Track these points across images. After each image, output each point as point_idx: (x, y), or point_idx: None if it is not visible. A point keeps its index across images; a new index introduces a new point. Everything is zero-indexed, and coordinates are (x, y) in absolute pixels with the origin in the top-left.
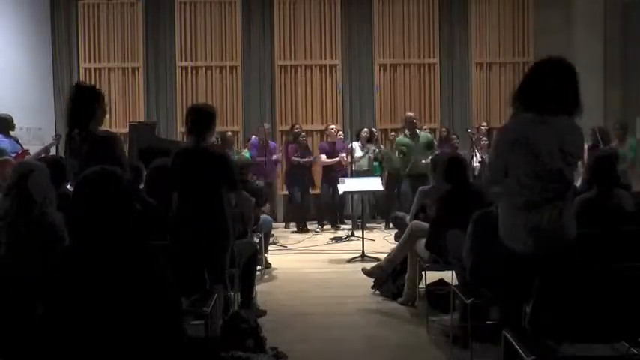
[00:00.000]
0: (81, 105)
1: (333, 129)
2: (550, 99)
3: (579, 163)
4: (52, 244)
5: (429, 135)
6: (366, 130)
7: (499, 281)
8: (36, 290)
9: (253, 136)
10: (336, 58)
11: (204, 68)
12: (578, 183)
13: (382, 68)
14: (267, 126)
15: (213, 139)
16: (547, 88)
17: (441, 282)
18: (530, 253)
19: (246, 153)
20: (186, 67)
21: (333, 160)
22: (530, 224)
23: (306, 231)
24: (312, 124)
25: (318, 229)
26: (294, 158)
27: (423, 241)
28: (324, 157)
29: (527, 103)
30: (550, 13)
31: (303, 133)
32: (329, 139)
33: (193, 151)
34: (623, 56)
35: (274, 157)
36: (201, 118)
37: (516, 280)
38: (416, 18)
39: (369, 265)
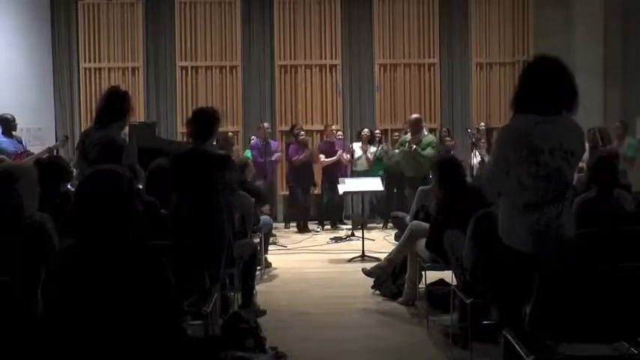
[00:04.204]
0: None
1: (332, 129)
2: (550, 99)
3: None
4: (30, 245)
5: (430, 137)
6: (366, 130)
7: (499, 281)
8: (23, 290)
9: (254, 137)
10: (336, 58)
11: (204, 68)
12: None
13: (382, 68)
14: (266, 125)
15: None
16: (546, 89)
17: (441, 282)
18: (529, 253)
19: (247, 153)
20: (186, 67)
21: (332, 158)
22: (530, 224)
23: (308, 231)
24: (312, 124)
25: (318, 229)
26: (294, 159)
27: (423, 241)
28: (322, 156)
29: (528, 104)
30: (550, 13)
31: (302, 132)
32: (327, 139)
33: (193, 153)
34: (623, 56)
35: (275, 156)
36: (202, 121)
37: (516, 280)
38: (416, 18)
39: (369, 265)
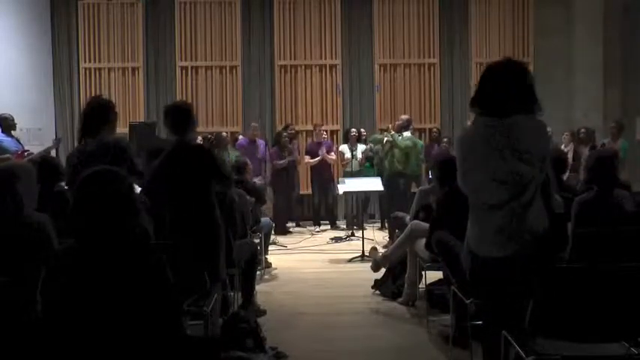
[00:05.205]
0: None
1: (321, 130)
2: (500, 100)
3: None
4: (30, 245)
5: (407, 140)
6: (354, 130)
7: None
8: (23, 290)
9: (241, 136)
10: (336, 58)
11: (204, 68)
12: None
13: (382, 68)
14: (254, 124)
15: (209, 137)
16: (496, 91)
17: (441, 282)
18: (496, 256)
19: (232, 153)
20: (186, 67)
21: (315, 159)
22: (492, 227)
23: (288, 233)
24: (311, 124)
25: (317, 230)
26: (276, 162)
27: (423, 241)
28: (307, 157)
29: (481, 106)
30: (550, 13)
31: (285, 134)
32: (316, 139)
33: (177, 149)
34: (622, 57)
35: (259, 155)
36: (177, 114)
37: (495, 285)
38: (416, 18)
39: (368, 265)
